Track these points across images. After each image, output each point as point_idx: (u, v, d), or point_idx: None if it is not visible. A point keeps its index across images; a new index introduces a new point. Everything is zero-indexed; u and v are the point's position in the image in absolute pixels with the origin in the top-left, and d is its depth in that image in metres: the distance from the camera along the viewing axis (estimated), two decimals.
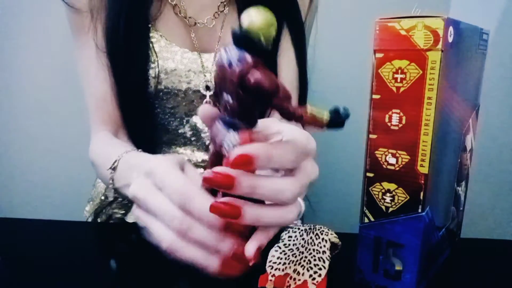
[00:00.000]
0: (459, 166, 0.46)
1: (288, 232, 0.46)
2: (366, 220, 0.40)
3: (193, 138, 0.66)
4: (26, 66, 1.05)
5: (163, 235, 0.30)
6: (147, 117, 0.62)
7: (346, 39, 1.02)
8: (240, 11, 0.65)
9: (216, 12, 0.65)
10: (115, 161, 0.45)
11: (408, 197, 0.38)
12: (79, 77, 0.63)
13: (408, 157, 0.37)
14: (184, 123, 0.65)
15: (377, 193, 0.39)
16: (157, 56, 0.60)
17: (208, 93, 0.64)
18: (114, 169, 0.45)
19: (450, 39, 0.35)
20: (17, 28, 1.02)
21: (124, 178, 0.43)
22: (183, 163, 0.36)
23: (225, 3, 0.65)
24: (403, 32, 0.35)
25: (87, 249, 0.51)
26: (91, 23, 0.59)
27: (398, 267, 0.39)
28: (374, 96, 0.38)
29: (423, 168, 0.36)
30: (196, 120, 0.34)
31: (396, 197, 0.38)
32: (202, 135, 0.66)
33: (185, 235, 0.29)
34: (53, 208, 1.15)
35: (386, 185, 0.39)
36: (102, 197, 0.55)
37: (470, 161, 0.50)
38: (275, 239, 0.44)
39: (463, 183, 0.49)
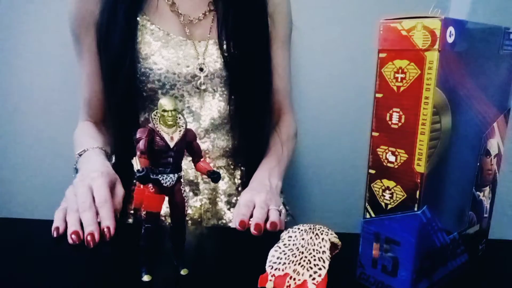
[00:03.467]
0: (478, 170, 0.45)
1: (288, 232, 0.46)
2: (368, 216, 0.42)
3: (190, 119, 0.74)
4: (27, 66, 1.04)
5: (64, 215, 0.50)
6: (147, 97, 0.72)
7: (350, 40, 0.99)
8: (229, 5, 0.72)
9: (207, 10, 0.73)
10: (83, 150, 0.64)
11: (406, 195, 0.38)
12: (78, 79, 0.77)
13: (406, 155, 0.37)
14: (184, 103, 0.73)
15: (377, 189, 0.40)
16: (141, 44, 0.68)
17: (202, 74, 0.71)
18: (80, 155, 0.64)
19: (451, 40, 0.35)
20: (18, 28, 1.02)
21: (81, 164, 0.62)
22: (115, 180, 0.56)
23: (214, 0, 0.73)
24: (404, 33, 0.36)
25: (85, 248, 0.48)
26: (88, 32, 0.70)
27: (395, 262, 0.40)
28: (377, 95, 0.39)
29: (420, 167, 0.37)
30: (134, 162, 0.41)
31: (394, 195, 0.39)
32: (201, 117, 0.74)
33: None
34: (53, 208, 1.10)
35: (386, 182, 0.39)
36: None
37: (497, 167, 0.48)
38: (275, 239, 0.46)
39: (487, 188, 0.47)
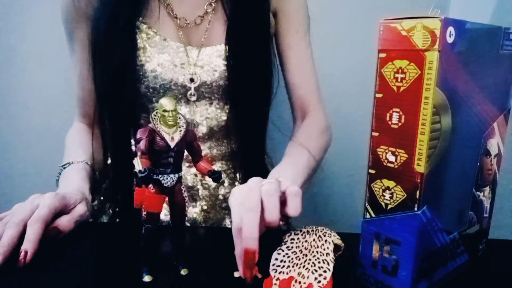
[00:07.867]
0: (479, 170, 0.45)
1: (290, 235, 0.46)
2: (368, 216, 0.42)
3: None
4: (27, 64, 1.04)
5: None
6: (131, 108, 0.68)
7: (351, 40, 0.99)
8: (226, 10, 0.69)
9: (204, 13, 0.70)
10: (67, 163, 0.66)
11: (406, 195, 0.38)
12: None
13: (406, 155, 0.37)
14: None
15: (377, 189, 0.40)
16: (144, 52, 0.66)
17: (192, 85, 0.68)
18: (64, 167, 0.66)
19: (450, 40, 0.35)
20: (18, 27, 1.02)
21: (60, 180, 0.64)
22: (75, 202, 0.55)
23: (212, 3, 0.70)
24: (404, 33, 0.36)
25: (86, 249, 0.51)
26: (80, 30, 0.69)
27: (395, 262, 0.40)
28: (377, 95, 0.39)
29: (420, 167, 0.37)
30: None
31: (394, 195, 0.39)
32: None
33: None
34: None
35: (386, 182, 0.39)
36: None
37: (497, 167, 0.48)
38: (277, 241, 0.46)
39: (487, 188, 0.47)
